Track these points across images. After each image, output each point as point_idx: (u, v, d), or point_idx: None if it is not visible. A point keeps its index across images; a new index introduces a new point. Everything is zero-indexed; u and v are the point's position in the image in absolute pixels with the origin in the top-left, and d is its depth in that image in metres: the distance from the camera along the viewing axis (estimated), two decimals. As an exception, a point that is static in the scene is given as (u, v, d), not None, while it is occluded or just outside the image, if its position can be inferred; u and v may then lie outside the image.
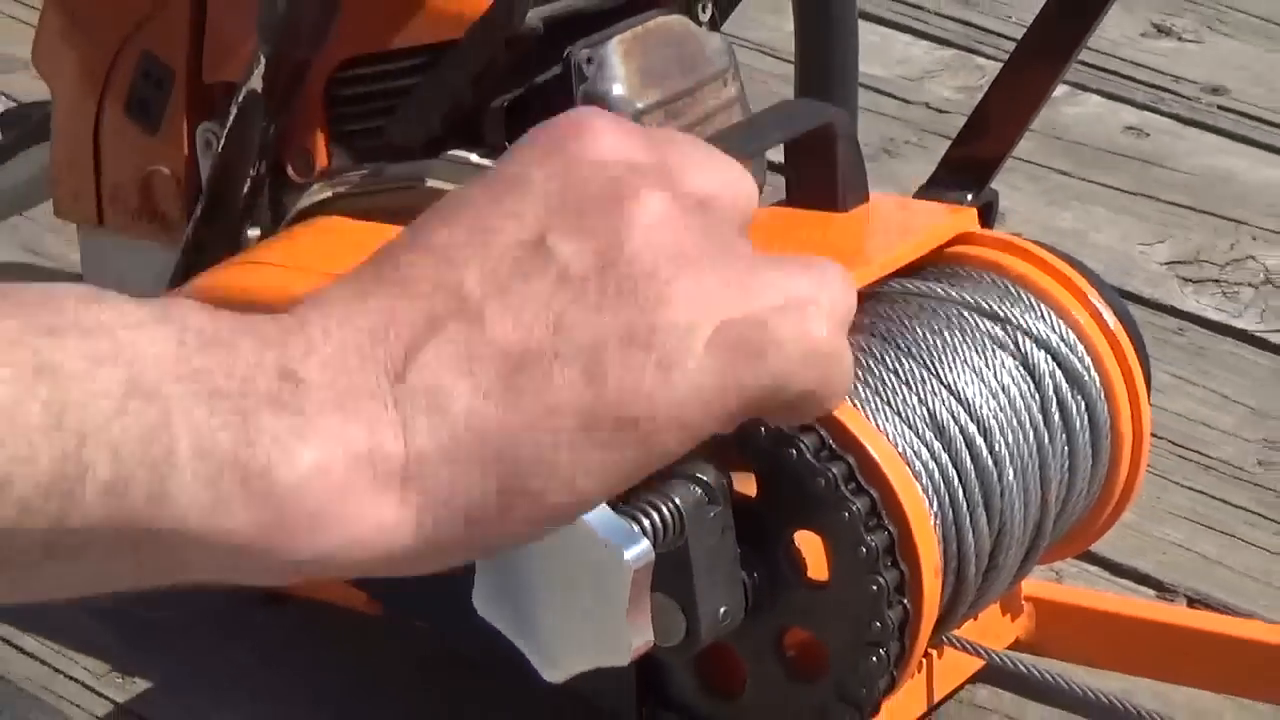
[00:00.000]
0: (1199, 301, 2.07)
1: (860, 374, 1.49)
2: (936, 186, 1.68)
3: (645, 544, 1.38)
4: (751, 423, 1.38)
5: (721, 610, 1.43)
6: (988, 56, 2.37)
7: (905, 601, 1.43)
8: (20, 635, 1.74)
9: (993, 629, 1.63)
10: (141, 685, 1.69)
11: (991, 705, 1.65)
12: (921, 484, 1.46)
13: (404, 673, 1.66)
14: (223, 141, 1.74)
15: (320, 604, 1.64)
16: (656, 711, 1.51)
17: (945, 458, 1.49)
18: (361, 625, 1.64)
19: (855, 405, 1.46)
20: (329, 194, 1.73)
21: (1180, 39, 2.44)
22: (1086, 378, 1.57)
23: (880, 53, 2.33)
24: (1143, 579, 1.77)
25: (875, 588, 1.43)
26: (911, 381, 1.50)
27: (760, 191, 1.71)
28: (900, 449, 1.46)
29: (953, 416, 1.50)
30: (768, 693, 1.48)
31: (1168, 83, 2.38)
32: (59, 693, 1.69)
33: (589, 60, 1.69)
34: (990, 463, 1.50)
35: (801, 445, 1.43)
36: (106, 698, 1.68)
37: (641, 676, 1.49)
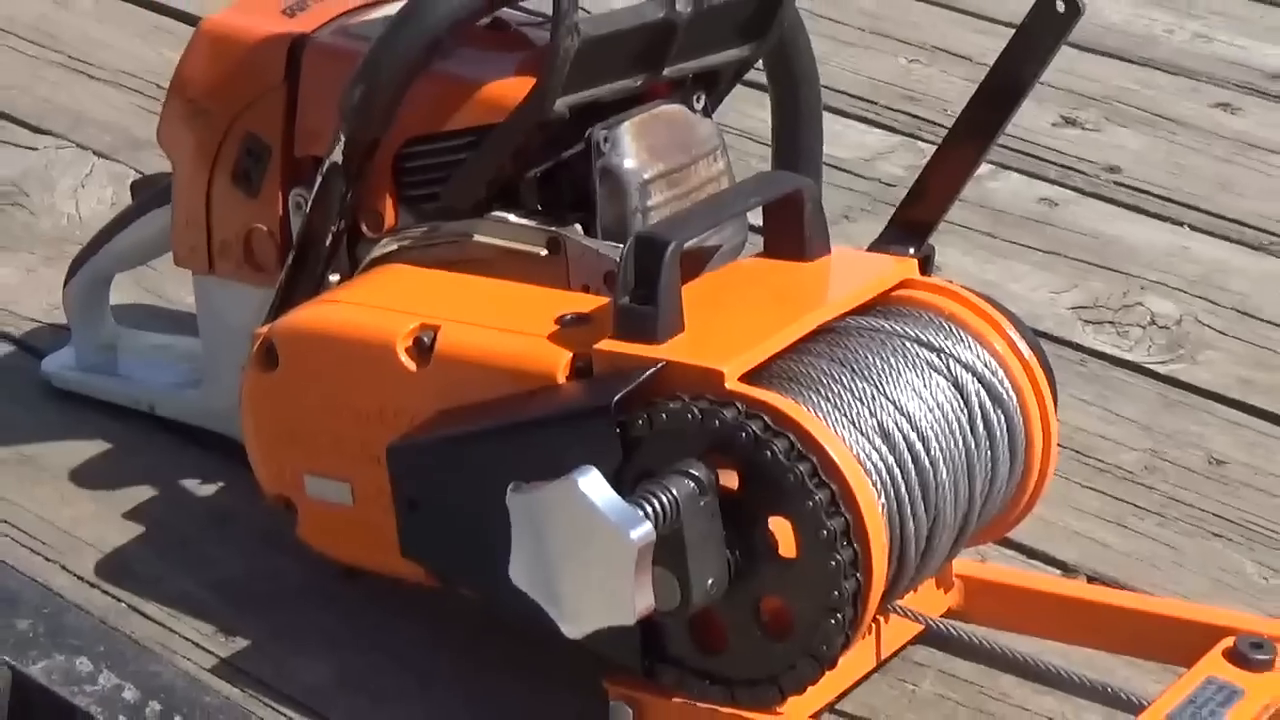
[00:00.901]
0: (1097, 339, 2.07)
1: (823, 392, 1.50)
2: (885, 242, 1.69)
3: (648, 526, 1.41)
4: (739, 428, 1.41)
5: (710, 581, 1.44)
6: (928, 142, 2.37)
7: (858, 575, 1.43)
8: (144, 603, 1.73)
9: (929, 600, 1.63)
10: (240, 643, 1.69)
11: (928, 662, 1.64)
12: (871, 480, 1.46)
13: (454, 631, 1.66)
14: (310, 204, 1.75)
15: (388, 578, 1.64)
16: (655, 664, 1.51)
17: (891, 459, 1.49)
18: (420, 594, 1.64)
19: (818, 416, 1.46)
20: (395, 247, 1.72)
21: (1083, 129, 2.44)
22: (1005, 397, 1.57)
23: (841, 139, 2.34)
24: (1050, 560, 1.77)
25: (834, 564, 1.42)
26: (864, 398, 1.50)
27: (743, 245, 1.73)
28: (854, 452, 1.46)
29: (897, 426, 1.50)
30: (747, 649, 1.48)
31: (1073, 163, 2.38)
32: (173, 649, 1.68)
33: (606, 139, 1.69)
34: (927, 464, 1.50)
35: (775, 448, 1.43)
36: (211, 653, 1.68)
37: (644, 634, 1.48)
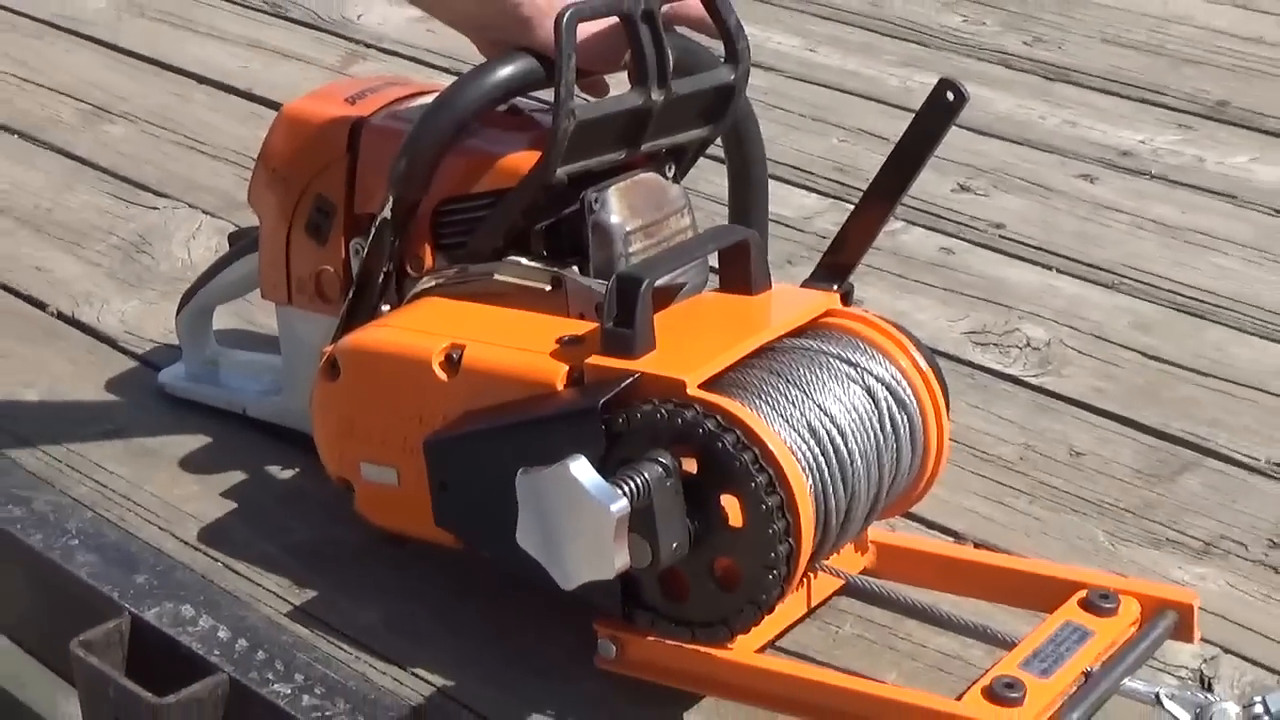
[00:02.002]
0: (984, 357, 2.06)
1: (763, 397, 1.49)
2: (814, 280, 1.67)
3: (624, 502, 1.41)
4: (697, 424, 1.40)
5: (674, 545, 1.43)
6: (853, 204, 2.35)
7: (790, 540, 1.42)
8: (235, 562, 1.72)
9: (849, 560, 1.62)
10: (309, 594, 1.68)
11: (848, 610, 1.63)
12: (801, 466, 1.45)
13: (479, 585, 1.66)
14: (365, 251, 1.73)
15: (426, 543, 1.63)
16: (633, 610, 1.50)
17: (816, 450, 1.48)
18: (451, 555, 1.63)
19: (760, 416, 1.45)
20: (432, 283, 1.71)
21: (975, 194, 2.44)
22: (908, 402, 1.56)
23: (785, 201, 2.34)
24: (945, 530, 1.76)
25: (771, 531, 1.42)
26: (795, 402, 1.49)
27: (705, 283, 1.72)
28: (788, 444, 1.45)
29: (821, 424, 1.49)
30: (704, 598, 1.47)
31: (966, 220, 2.37)
32: (258, 598, 1.68)
33: (596, 200, 1.68)
34: (845, 454, 1.49)
35: (725, 440, 1.42)
36: (287, 601, 1.67)
37: (623, 587, 1.48)
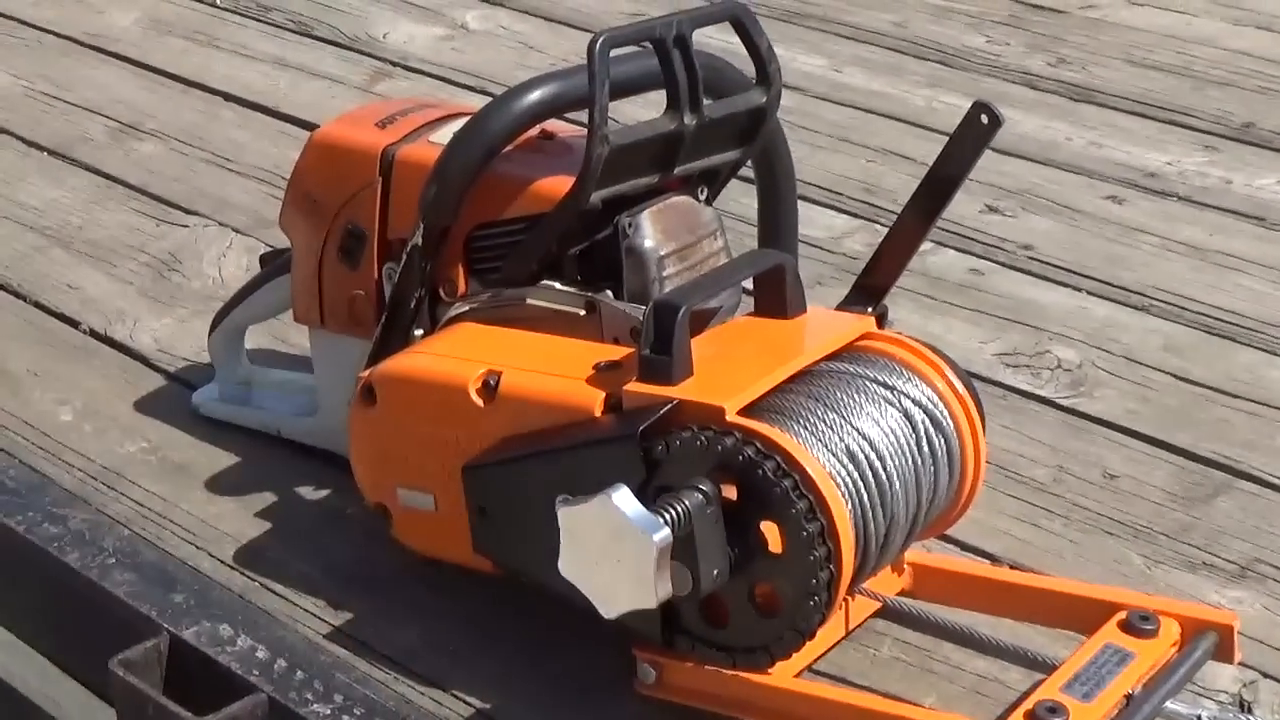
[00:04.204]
0: (1015, 379, 2.06)
1: (802, 422, 1.49)
2: (849, 303, 1.67)
3: (666, 531, 1.41)
4: (736, 451, 1.40)
5: (715, 572, 1.43)
6: (882, 225, 2.36)
7: (831, 566, 1.42)
8: (272, 582, 1.73)
9: (886, 582, 1.62)
10: (346, 614, 1.68)
11: (885, 632, 1.63)
12: (841, 492, 1.45)
13: (514, 607, 1.66)
14: (398, 276, 1.73)
15: (466, 568, 1.63)
16: (673, 635, 1.50)
17: (855, 475, 1.48)
18: (489, 580, 1.63)
19: (799, 442, 1.45)
20: (466, 308, 1.71)
21: (1004, 215, 2.44)
22: (945, 425, 1.56)
23: (814, 222, 2.33)
24: (980, 552, 1.75)
25: (812, 558, 1.42)
26: (834, 426, 1.49)
27: (738, 305, 1.72)
28: (827, 469, 1.45)
29: (860, 449, 1.49)
30: (744, 624, 1.47)
31: (995, 241, 2.37)
32: (296, 618, 1.68)
33: (630, 224, 1.68)
34: (884, 478, 1.49)
35: (766, 467, 1.42)
36: (325, 621, 1.68)
37: (663, 613, 1.47)
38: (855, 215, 2.43)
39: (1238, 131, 2.68)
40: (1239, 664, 1.55)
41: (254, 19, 3.17)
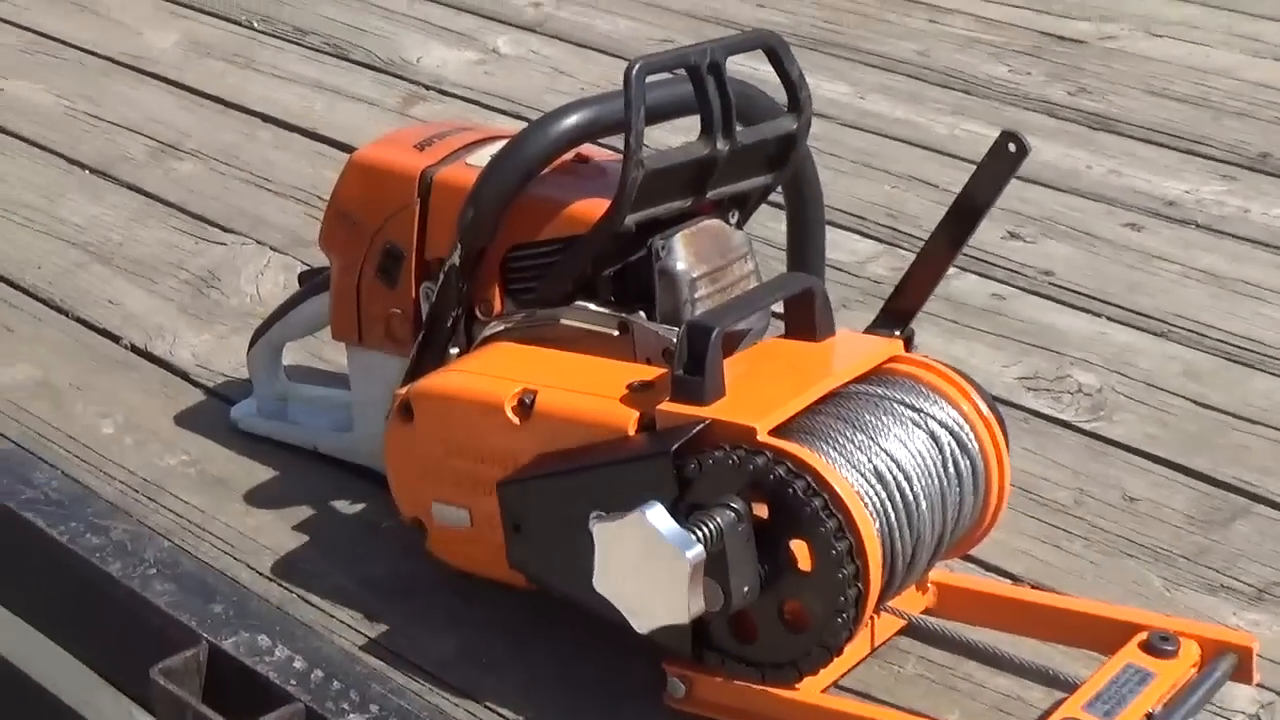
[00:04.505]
0: (1037, 402, 2.06)
1: (831, 443, 1.49)
2: (877, 326, 1.68)
3: (699, 548, 1.42)
4: (768, 470, 1.41)
5: (746, 588, 1.44)
6: (906, 249, 2.37)
7: (859, 584, 1.43)
8: (308, 594, 1.74)
9: (911, 601, 1.62)
10: (382, 626, 1.69)
11: (910, 649, 1.64)
12: (869, 511, 1.45)
13: (547, 619, 1.66)
14: (435, 295, 1.74)
15: (502, 583, 1.64)
16: (703, 650, 1.51)
17: (883, 495, 1.48)
18: (522, 593, 1.64)
19: (828, 462, 1.46)
20: (501, 328, 1.72)
21: (1025, 241, 2.44)
22: (970, 446, 1.56)
23: (839, 246, 2.33)
24: (1003, 572, 1.76)
25: (840, 576, 1.42)
26: (862, 447, 1.50)
27: (767, 328, 1.73)
28: (856, 489, 1.46)
29: (888, 469, 1.49)
30: (773, 640, 1.48)
31: (1017, 267, 2.37)
32: (332, 629, 1.69)
33: (663, 247, 1.69)
34: (910, 498, 1.50)
35: (796, 487, 1.43)
36: (360, 632, 1.68)
37: (694, 627, 1.48)
38: (879, 240, 2.44)
39: (1255, 161, 2.68)
40: (1257, 685, 1.56)
41: (291, 42, 3.19)
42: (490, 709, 1.59)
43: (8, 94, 2.96)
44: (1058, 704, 1.46)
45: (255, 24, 3.26)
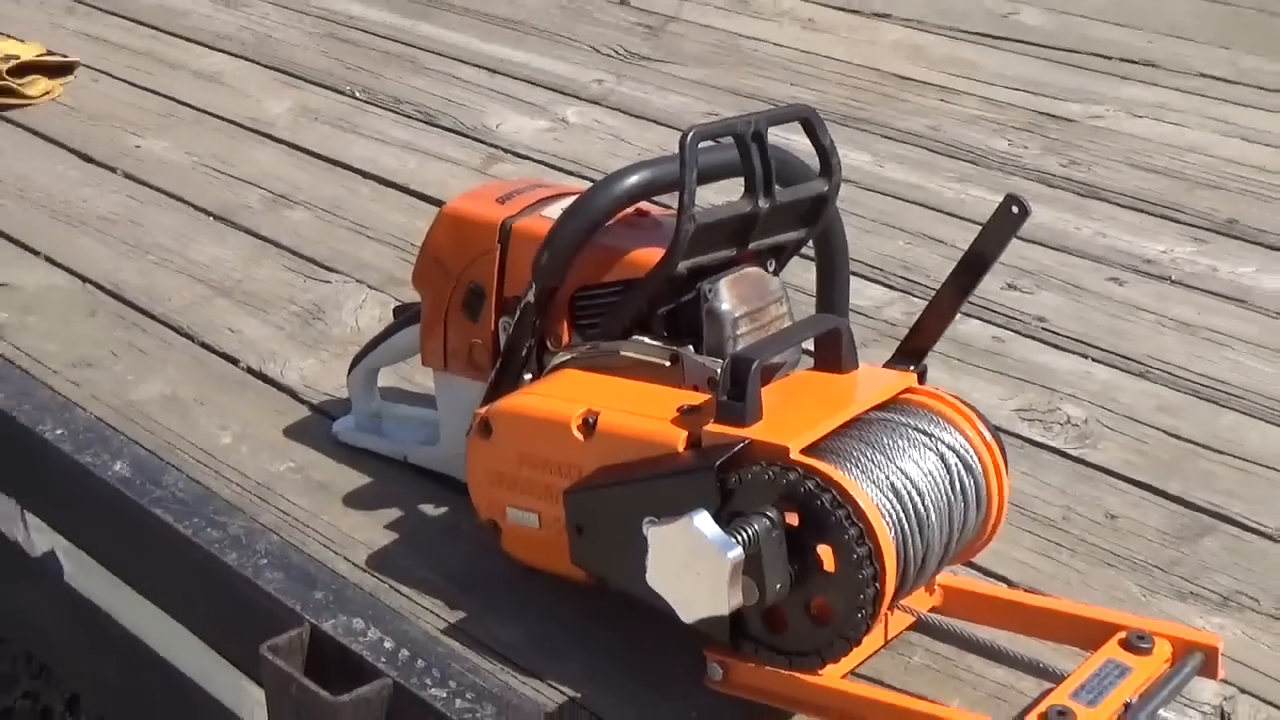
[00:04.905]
0: (1030, 431, 2.06)
1: (854, 461, 1.49)
2: (894, 362, 1.68)
3: (739, 550, 1.42)
4: (799, 484, 1.40)
5: (778, 585, 1.44)
6: (919, 297, 2.36)
7: (876, 584, 1.43)
8: (398, 584, 1.74)
9: (919, 600, 1.62)
10: (460, 613, 1.69)
11: (918, 643, 1.63)
12: (886, 521, 1.45)
13: (605, 610, 1.66)
14: (512, 328, 1.75)
15: (563, 577, 1.64)
16: (740, 640, 1.51)
17: (898, 507, 1.48)
18: (582, 588, 1.64)
19: (852, 478, 1.46)
20: (568, 357, 1.72)
21: (1022, 292, 2.43)
22: (974, 467, 1.56)
23: (859, 293, 2.32)
24: (999, 577, 1.75)
25: (860, 577, 1.42)
26: (881, 466, 1.50)
27: (798, 361, 1.73)
28: (875, 502, 1.46)
29: (903, 485, 1.49)
30: (800, 631, 1.48)
31: (1014, 314, 2.36)
32: (417, 615, 1.69)
33: (710, 290, 1.69)
34: (922, 511, 1.50)
35: (823, 499, 1.43)
36: (442, 618, 1.69)
37: (731, 619, 1.48)
38: (894, 288, 2.44)
39: (1223, 226, 2.67)
40: (1221, 680, 1.55)
41: (388, 110, 3.20)
42: (553, 686, 1.59)
43: (146, 151, 2.98)
44: (1046, 693, 1.45)
45: (358, 94, 3.28)
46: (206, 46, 3.52)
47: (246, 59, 3.45)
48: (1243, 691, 1.58)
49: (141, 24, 3.66)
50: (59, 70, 3.27)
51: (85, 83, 3.29)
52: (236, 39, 3.57)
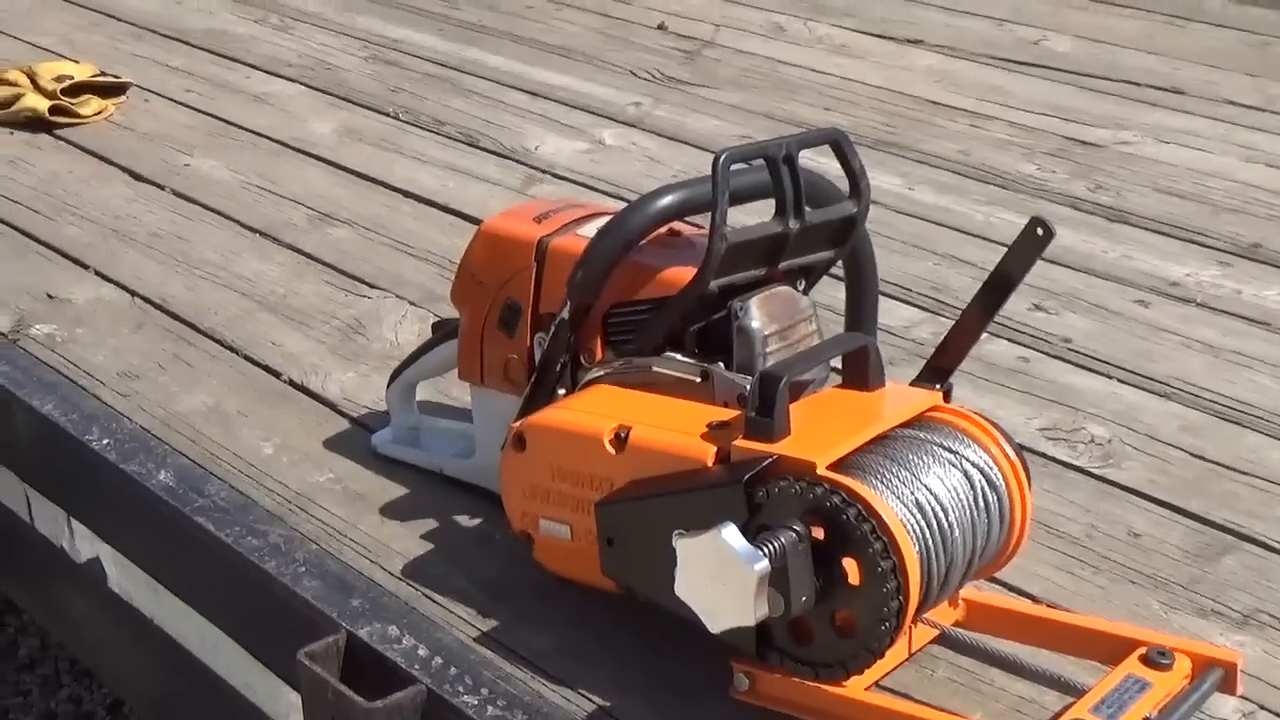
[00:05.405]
0: (1055, 450, 2.04)
1: (880, 477, 1.49)
2: (920, 381, 1.67)
3: (766, 562, 1.41)
4: (825, 499, 1.40)
5: (804, 598, 1.44)
6: (945, 317, 2.35)
7: (900, 598, 1.42)
8: (432, 592, 1.74)
9: (943, 614, 1.61)
10: (492, 621, 1.69)
11: (941, 656, 1.62)
12: (910, 536, 1.45)
13: (632, 619, 1.66)
14: (547, 344, 1.75)
15: (594, 587, 1.64)
16: (765, 650, 1.50)
17: (922, 523, 1.48)
18: (612, 598, 1.64)
19: (877, 494, 1.45)
20: (601, 373, 1.72)
21: (1048, 313, 2.42)
22: (998, 484, 1.56)
23: (888, 313, 2.31)
24: (1023, 593, 1.74)
25: (885, 590, 1.42)
26: (905, 482, 1.49)
27: (827, 378, 1.72)
28: (900, 517, 1.45)
29: (927, 501, 1.49)
30: (826, 643, 1.47)
31: (1040, 334, 2.36)
32: (451, 623, 1.69)
33: (741, 308, 1.69)
34: (946, 526, 1.49)
35: (849, 514, 1.42)
36: (475, 626, 1.69)
37: (758, 630, 1.47)
38: (923, 309, 2.43)
39: (1247, 250, 2.65)
40: (1240, 696, 1.54)
41: (430, 131, 3.21)
42: (583, 694, 1.59)
43: (194, 169, 2.99)
44: (1068, 707, 1.44)
45: (400, 115, 3.29)
46: (263, 70, 3.54)
47: (298, 81, 3.47)
48: (1262, 708, 1.57)
49: (202, 49, 3.68)
50: (112, 90, 3.30)
51: (137, 103, 3.31)
52: (291, 63, 3.59)
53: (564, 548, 1.64)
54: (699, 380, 1.67)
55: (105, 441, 2.01)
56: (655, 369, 1.69)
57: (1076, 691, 1.49)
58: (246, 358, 2.28)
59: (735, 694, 1.53)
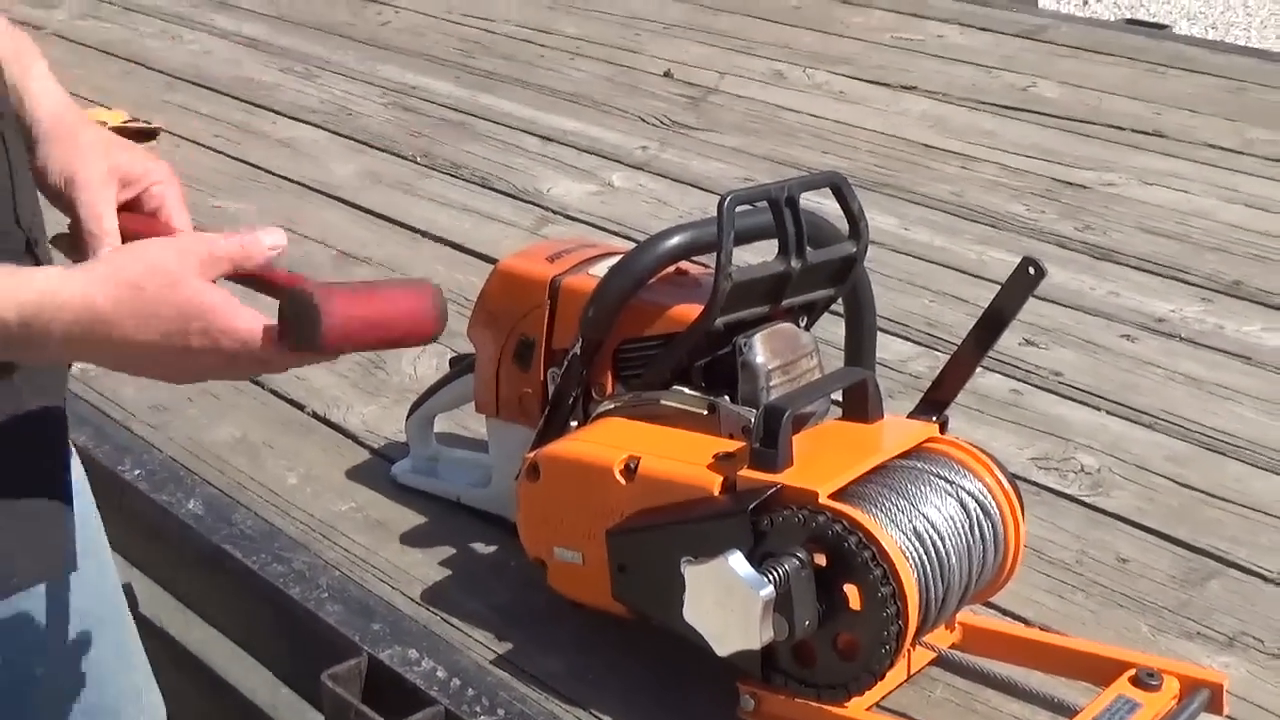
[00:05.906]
0: (1046, 479, 2.04)
1: (879, 506, 1.48)
2: (917, 413, 1.67)
3: (770, 589, 1.40)
4: (827, 527, 1.39)
5: (807, 622, 1.43)
6: (941, 351, 2.35)
7: (899, 622, 1.42)
8: (450, 616, 1.74)
9: (940, 637, 1.61)
10: (507, 644, 1.69)
11: (939, 678, 1.62)
12: (909, 563, 1.44)
13: (641, 643, 1.65)
14: (560, 378, 1.75)
15: (606, 612, 1.63)
16: (770, 672, 1.50)
17: (920, 550, 1.47)
18: (623, 622, 1.63)
19: (877, 522, 1.45)
20: (612, 406, 1.72)
21: (1039, 347, 2.42)
22: (993, 512, 1.55)
23: (886, 348, 2.30)
24: (1017, 616, 1.73)
25: (885, 615, 1.41)
26: (904, 510, 1.49)
27: (828, 411, 1.72)
28: (899, 544, 1.45)
29: (925, 529, 1.49)
30: (828, 665, 1.47)
31: (1031, 368, 2.35)
32: (468, 646, 1.69)
33: (745, 344, 1.68)
34: (943, 553, 1.49)
35: (850, 541, 1.42)
36: (491, 650, 1.68)
37: (763, 653, 1.47)
38: (919, 344, 2.43)
39: (1228, 287, 2.65)
40: (1226, 716, 1.53)
41: (447, 174, 3.22)
42: (594, 715, 1.58)
43: (223, 211, 2.99)
44: (1062, 726, 1.44)
45: (418, 159, 3.30)
46: (287, 116, 3.55)
47: (321, 127, 3.48)
48: (1247, 728, 1.56)
49: (230, 96, 3.69)
50: (142, 135, 3.30)
51: (168, 149, 3.32)
52: (315, 109, 3.60)
53: (577, 574, 1.64)
54: (706, 413, 1.67)
55: (137, 472, 2.01)
56: (664, 402, 1.69)
57: (1069, 711, 1.48)
58: (271, 391, 2.28)
59: (741, 714, 1.52)
